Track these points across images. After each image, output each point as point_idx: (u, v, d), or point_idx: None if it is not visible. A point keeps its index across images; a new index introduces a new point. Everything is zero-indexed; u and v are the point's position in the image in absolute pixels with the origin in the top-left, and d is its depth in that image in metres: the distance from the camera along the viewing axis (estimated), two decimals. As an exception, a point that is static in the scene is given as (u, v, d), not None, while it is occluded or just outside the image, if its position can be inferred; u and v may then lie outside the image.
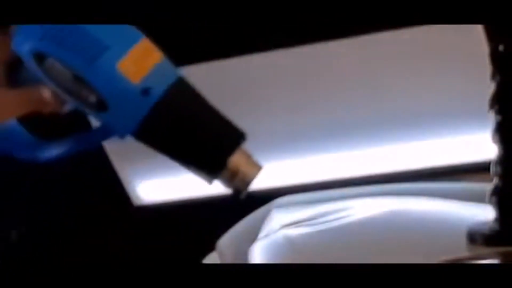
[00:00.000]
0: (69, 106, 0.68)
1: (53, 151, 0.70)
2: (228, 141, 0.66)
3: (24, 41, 0.65)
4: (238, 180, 0.66)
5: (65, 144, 0.70)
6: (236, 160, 0.66)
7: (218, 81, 1.19)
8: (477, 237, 0.86)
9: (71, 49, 0.64)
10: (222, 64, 1.15)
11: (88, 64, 0.64)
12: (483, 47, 0.90)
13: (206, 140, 0.66)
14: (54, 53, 0.64)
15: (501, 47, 0.84)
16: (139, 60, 0.65)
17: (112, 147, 1.29)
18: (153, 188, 1.32)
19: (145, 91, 0.64)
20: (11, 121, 0.70)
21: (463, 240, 0.87)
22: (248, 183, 0.67)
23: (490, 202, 0.87)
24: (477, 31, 0.97)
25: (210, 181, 0.67)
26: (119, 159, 1.31)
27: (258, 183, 1.27)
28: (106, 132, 0.67)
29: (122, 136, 0.66)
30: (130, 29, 0.66)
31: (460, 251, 0.83)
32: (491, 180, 0.87)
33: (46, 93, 0.66)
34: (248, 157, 0.67)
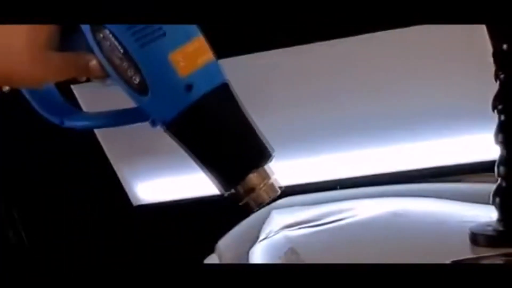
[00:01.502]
0: (111, 80, 0.68)
1: (80, 121, 0.71)
2: (252, 158, 0.67)
3: None
4: (250, 198, 0.67)
5: (91, 118, 0.72)
6: (254, 178, 0.67)
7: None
8: (480, 238, 0.86)
9: (129, 27, 0.64)
10: (223, 64, 1.15)
11: (141, 46, 0.64)
12: (486, 47, 0.90)
13: (232, 150, 0.66)
14: (112, 27, 0.65)
15: (504, 47, 0.84)
16: (191, 56, 0.65)
17: (111, 148, 1.29)
18: (152, 188, 1.32)
19: (189, 87, 0.65)
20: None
21: (466, 241, 0.86)
22: (259, 203, 0.67)
23: (493, 203, 0.86)
24: (480, 30, 0.96)
25: (224, 191, 0.67)
26: (118, 159, 1.31)
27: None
28: (139, 115, 0.67)
29: (154, 124, 0.66)
30: (189, 24, 0.67)
31: (462, 252, 0.83)
32: (494, 181, 0.87)
33: (93, 61, 0.67)
34: (268, 178, 0.67)
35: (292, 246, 0.97)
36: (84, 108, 1.14)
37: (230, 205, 0.69)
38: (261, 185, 0.66)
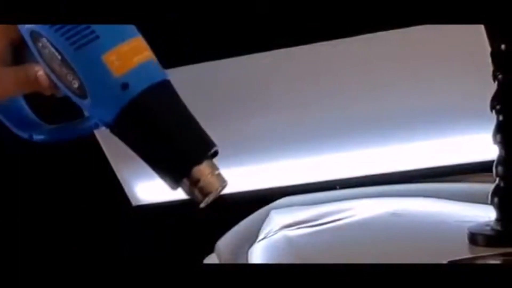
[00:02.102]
0: (61, 92, 0.69)
1: (47, 134, 0.73)
2: (196, 150, 0.68)
3: None
4: (197, 190, 0.67)
5: (57, 129, 0.73)
6: (200, 170, 0.67)
7: (220, 81, 1.18)
8: (479, 238, 0.85)
9: (63, 33, 0.66)
10: (223, 64, 1.15)
11: (74, 50, 0.66)
12: (484, 47, 0.90)
13: (174, 145, 0.68)
14: (48, 35, 0.66)
15: (502, 47, 0.84)
16: (126, 56, 0.66)
17: (111, 148, 1.29)
18: (151, 189, 1.32)
19: (124, 86, 0.66)
20: (18, 98, 0.73)
21: (465, 241, 0.86)
22: (206, 194, 0.68)
23: (491, 203, 0.86)
24: (478, 30, 0.96)
25: (173, 187, 0.68)
26: (117, 159, 1.30)
27: (258, 184, 1.27)
28: (92, 121, 0.69)
29: (97, 126, 0.68)
30: (125, 26, 0.68)
31: (461, 252, 0.83)
32: (492, 181, 0.87)
33: (40, 72, 0.68)
34: (214, 170, 0.68)
35: (291, 246, 0.98)
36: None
37: (230, 206, 0.69)
38: (208, 176, 0.67)
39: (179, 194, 1.37)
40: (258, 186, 1.24)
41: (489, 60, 0.86)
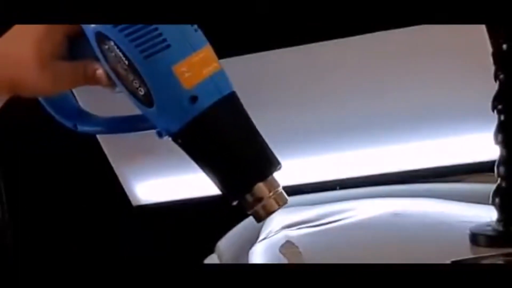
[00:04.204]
0: (119, 89, 0.68)
1: (93, 126, 0.71)
2: (260, 167, 0.66)
3: None
4: (259, 208, 0.66)
5: (105, 123, 0.71)
6: (263, 188, 0.66)
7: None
8: (480, 238, 0.85)
9: (133, 39, 0.64)
10: (222, 64, 1.15)
11: (145, 58, 0.64)
12: (486, 47, 0.89)
13: (239, 160, 0.66)
14: (116, 39, 0.64)
15: (504, 47, 0.84)
16: (195, 68, 0.65)
17: (111, 148, 1.29)
18: (151, 189, 1.32)
19: (193, 99, 0.64)
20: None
21: (466, 242, 0.86)
22: (269, 212, 0.67)
23: (492, 203, 0.86)
24: (480, 30, 0.96)
25: (232, 201, 0.67)
26: (118, 159, 1.30)
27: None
28: (148, 123, 0.67)
29: (160, 135, 0.66)
30: (196, 35, 0.66)
31: (462, 252, 0.83)
32: (494, 181, 0.87)
33: (100, 70, 0.67)
34: (276, 187, 0.67)
35: (289, 240, 0.97)
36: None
37: (230, 206, 0.69)
38: (270, 194, 0.66)
39: (179, 195, 1.37)
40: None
41: (490, 60, 0.86)
